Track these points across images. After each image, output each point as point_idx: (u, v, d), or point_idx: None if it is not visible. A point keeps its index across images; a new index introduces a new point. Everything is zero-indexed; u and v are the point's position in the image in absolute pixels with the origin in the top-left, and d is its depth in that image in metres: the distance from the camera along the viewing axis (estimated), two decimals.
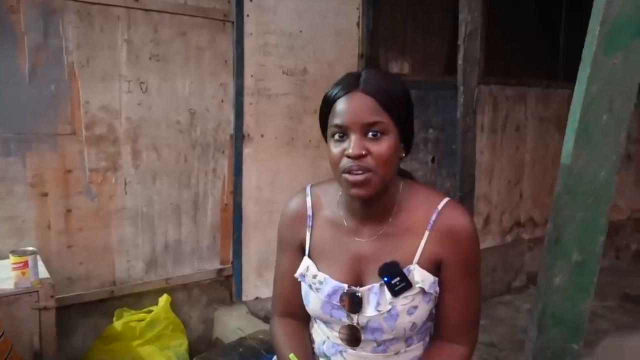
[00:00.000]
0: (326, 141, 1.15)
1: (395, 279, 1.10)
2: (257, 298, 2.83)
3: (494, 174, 3.65)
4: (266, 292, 2.83)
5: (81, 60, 2.26)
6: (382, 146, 1.05)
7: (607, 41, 0.98)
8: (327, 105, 1.11)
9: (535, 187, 3.91)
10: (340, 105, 1.07)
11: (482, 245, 3.64)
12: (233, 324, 2.63)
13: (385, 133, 1.06)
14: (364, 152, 1.04)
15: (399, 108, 1.09)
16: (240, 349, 2.07)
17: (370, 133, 1.05)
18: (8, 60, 2.12)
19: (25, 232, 2.22)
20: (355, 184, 1.06)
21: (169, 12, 2.44)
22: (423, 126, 3.28)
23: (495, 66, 3.55)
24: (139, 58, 2.40)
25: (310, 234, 1.22)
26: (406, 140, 1.13)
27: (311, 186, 1.27)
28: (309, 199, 1.24)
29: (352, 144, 1.05)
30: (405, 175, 1.24)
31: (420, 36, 3.44)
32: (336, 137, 1.08)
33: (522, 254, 3.93)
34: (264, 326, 2.49)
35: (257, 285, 2.84)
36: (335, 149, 1.08)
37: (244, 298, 2.80)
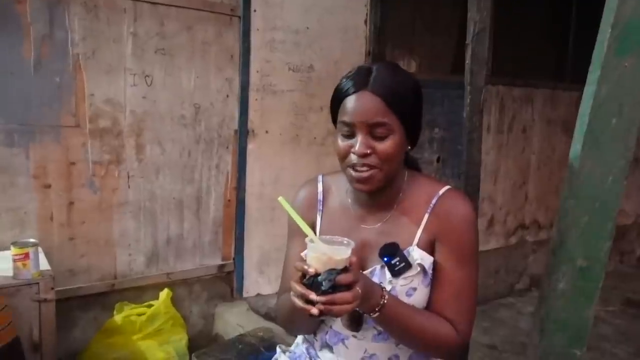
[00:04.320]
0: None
1: (395, 259, 1.12)
2: (258, 295, 2.82)
3: (499, 175, 3.62)
4: (267, 288, 2.82)
5: (87, 53, 2.25)
6: (386, 145, 1.09)
7: (618, 43, 0.96)
8: (337, 99, 1.15)
9: (541, 189, 3.88)
10: (349, 103, 1.11)
11: (486, 247, 3.63)
12: (233, 320, 2.63)
13: (391, 133, 1.10)
14: (369, 151, 1.09)
15: (406, 107, 1.12)
16: (240, 346, 2.07)
17: (376, 132, 1.09)
18: (13, 50, 2.12)
19: (27, 224, 2.22)
20: (359, 180, 1.11)
21: (175, 6, 2.43)
22: (429, 125, 3.26)
23: (503, 66, 3.52)
24: (144, 51, 2.39)
25: (321, 218, 1.26)
26: (413, 134, 1.16)
27: (323, 175, 1.32)
28: (320, 185, 1.29)
29: (358, 143, 1.09)
30: (412, 164, 1.27)
31: (427, 35, 3.41)
32: (344, 132, 1.12)
33: (526, 257, 3.91)
34: (265, 323, 2.49)
35: (258, 282, 2.83)
36: (343, 143, 1.13)
37: (244, 294, 2.80)
